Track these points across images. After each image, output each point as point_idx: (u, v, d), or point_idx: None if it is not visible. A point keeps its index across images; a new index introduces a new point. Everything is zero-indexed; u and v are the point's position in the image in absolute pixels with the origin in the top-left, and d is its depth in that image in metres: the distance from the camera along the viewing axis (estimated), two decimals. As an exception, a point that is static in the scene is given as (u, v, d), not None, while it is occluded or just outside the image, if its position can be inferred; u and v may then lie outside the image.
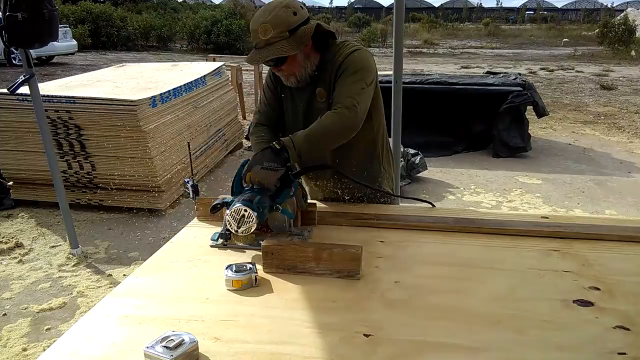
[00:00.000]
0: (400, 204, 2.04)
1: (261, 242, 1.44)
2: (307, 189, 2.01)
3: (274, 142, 1.54)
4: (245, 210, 1.38)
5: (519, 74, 7.54)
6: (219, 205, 1.50)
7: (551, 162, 5.82)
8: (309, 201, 1.68)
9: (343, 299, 1.22)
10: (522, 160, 5.85)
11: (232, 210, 1.40)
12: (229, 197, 1.51)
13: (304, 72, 1.69)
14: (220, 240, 1.50)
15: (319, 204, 1.75)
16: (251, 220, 1.39)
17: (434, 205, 1.81)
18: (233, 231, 1.42)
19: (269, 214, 1.47)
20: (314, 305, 1.19)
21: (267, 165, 1.47)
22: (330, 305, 1.19)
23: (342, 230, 1.62)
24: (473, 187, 4.99)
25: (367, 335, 1.07)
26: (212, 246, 1.51)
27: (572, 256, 1.42)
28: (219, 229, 1.54)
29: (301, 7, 1.64)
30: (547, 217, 1.66)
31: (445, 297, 1.21)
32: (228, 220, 1.42)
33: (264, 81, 1.94)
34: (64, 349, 1.06)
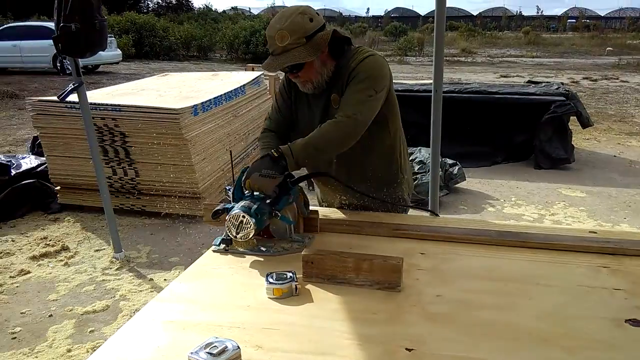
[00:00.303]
0: (441, 215, 2.01)
1: (262, 248, 1.51)
2: (320, 194, 2.03)
3: (272, 150, 1.58)
4: (243, 217, 1.43)
5: (562, 83, 7.35)
6: (220, 212, 1.55)
7: (596, 174, 5.62)
8: (311, 208, 1.70)
9: (384, 311, 1.20)
10: (565, 172, 5.68)
11: (231, 216, 1.45)
12: (230, 204, 1.54)
13: (320, 79, 1.70)
14: (222, 246, 1.54)
15: (349, 213, 1.75)
16: (249, 226, 1.43)
17: (437, 215, 1.79)
18: (232, 237, 1.46)
19: (270, 220, 1.51)
20: (354, 316, 1.19)
21: (265, 173, 1.52)
22: (371, 317, 1.18)
23: (382, 241, 1.61)
24: (514, 199, 4.87)
25: (409, 350, 1.05)
26: (214, 251, 1.55)
27: (623, 273, 1.36)
28: None
29: (317, 13, 1.66)
30: (596, 232, 1.60)
31: (490, 313, 1.18)
32: (227, 226, 1.46)
33: (276, 88, 1.95)
34: (110, 353, 1.08)
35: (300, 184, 1.64)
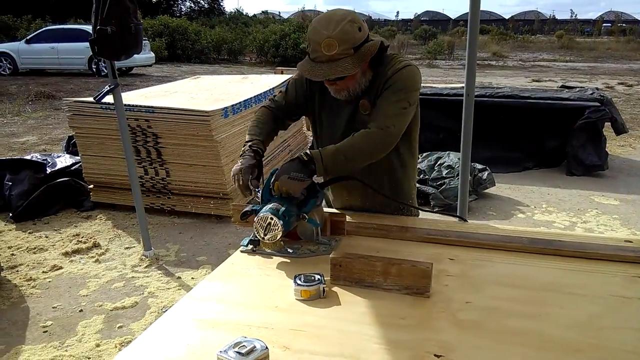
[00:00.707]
0: (470, 221, 1.98)
1: (289, 250, 1.52)
2: (330, 197, 2.01)
3: (302, 154, 1.57)
4: (271, 219, 1.44)
5: (596, 88, 7.17)
6: (248, 213, 1.57)
7: (630, 182, 5.46)
8: (338, 211, 1.72)
9: (412, 317, 1.20)
10: (598, 180, 5.54)
11: (259, 217, 1.47)
12: (258, 205, 1.56)
13: (357, 88, 1.66)
14: (250, 246, 1.56)
15: (376, 216, 1.74)
16: (277, 228, 1.45)
17: (466, 220, 1.76)
18: (260, 238, 1.48)
19: (297, 223, 1.53)
20: (382, 320, 1.18)
21: (294, 175, 1.52)
22: (399, 322, 1.18)
23: (410, 245, 1.60)
24: (545, 205, 4.77)
25: (438, 356, 1.04)
26: (242, 251, 1.57)
27: (660, 285, 1.32)
28: None
29: (363, 22, 1.60)
30: (632, 241, 1.56)
31: (521, 321, 1.16)
32: (255, 227, 1.48)
33: (293, 76, 1.89)
34: (141, 349, 1.11)
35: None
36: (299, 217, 1.52)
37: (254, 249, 1.55)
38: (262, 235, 1.47)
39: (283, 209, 1.47)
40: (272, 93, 5.32)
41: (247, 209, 1.58)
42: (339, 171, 1.64)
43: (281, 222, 1.44)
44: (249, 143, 1.74)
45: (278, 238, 1.47)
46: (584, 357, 1.03)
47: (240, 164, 1.66)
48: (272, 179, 1.56)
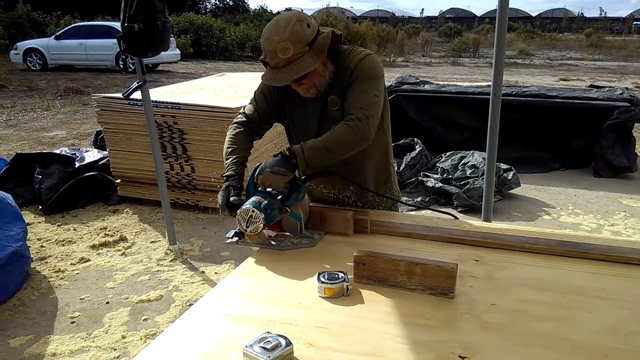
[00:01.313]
0: (493, 222, 1.96)
1: (272, 242, 1.58)
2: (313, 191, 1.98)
3: (285, 149, 1.60)
4: (253, 211, 1.49)
5: (626, 88, 7.00)
6: (235, 205, 1.60)
7: (661, 184, 5.33)
8: (361, 209, 1.74)
9: (436, 317, 1.19)
10: (627, 182, 5.41)
11: (241, 210, 1.51)
12: (244, 199, 1.60)
13: (323, 82, 1.68)
14: (235, 238, 1.59)
15: (398, 215, 1.74)
16: (258, 220, 1.50)
17: (456, 218, 1.74)
18: (242, 230, 1.53)
19: (280, 216, 1.58)
20: (406, 320, 1.18)
21: (276, 170, 1.57)
22: (424, 322, 1.18)
23: (433, 245, 1.59)
24: (571, 207, 4.68)
25: (462, 358, 1.04)
26: (227, 243, 1.61)
27: (692, 291, 1.29)
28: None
29: (309, 17, 1.63)
30: (662, 246, 1.52)
31: (548, 325, 1.15)
32: (238, 220, 1.52)
33: (258, 87, 1.87)
34: (169, 342, 1.13)
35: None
36: (281, 210, 1.56)
37: (239, 240, 1.59)
38: (244, 227, 1.52)
39: (265, 202, 1.52)
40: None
41: (231, 199, 1.62)
42: (321, 164, 1.65)
43: (262, 215, 1.49)
44: (227, 173, 1.71)
45: (260, 230, 1.52)
46: (612, 362, 1.02)
47: (220, 198, 1.63)
48: (256, 173, 1.59)
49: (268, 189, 1.59)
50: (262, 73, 1.68)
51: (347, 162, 1.75)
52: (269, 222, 1.53)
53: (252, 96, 1.88)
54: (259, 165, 1.61)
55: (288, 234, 1.66)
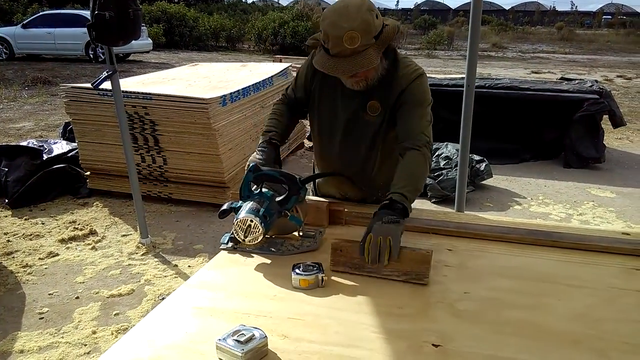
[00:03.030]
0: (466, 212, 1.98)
1: (272, 249, 1.48)
2: (317, 186, 2.00)
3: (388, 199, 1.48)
4: (252, 221, 1.39)
5: (596, 81, 7.16)
6: (227, 211, 1.50)
7: (627, 175, 5.48)
8: (337, 201, 1.74)
9: (410, 306, 1.20)
10: (595, 172, 5.55)
11: (239, 220, 1.41)
12: (237, 202, 1.50)
13: (375, 77, 1.61)
14: (231, 244, 1.51)
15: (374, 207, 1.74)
16: (257, 230, 1.40)
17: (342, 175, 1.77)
18: (240, 239, 1.43)
19: (278, 219, 1.47)
20: (380, 310, 1.18)
21: (388, 219, 1.39)
22: (398, 311, 1.18)
23: (408, 236, 1.58)
24: (541, 197, 4.78)
25: (436, 346, 1.05)
26: (222, 249, 1.52)
27: (658, 277, 1.33)
28: None
29: (375, 6, 1.56)
30: (629, 234, 1.56)
31: (519, 312, 1.17)
32: (235, 230, 1.42)
33: (299, 70, 1.86)
34: (139, 336, 1.11)
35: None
36: (280, 214, 1.47)
37: (235, 246, 1.50)
38: (242, 238, 1.42)
39: (263, 209, 1.42)
40: (270, 82, 5.29)
41: (225, 206, 1.51)
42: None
43: (262, 223, 1.39)
44: (268, 134, 1.74)
45: (259, 240, 1.42)
46: (582, 348, 1.04)
47: (256, 155, 1.65)
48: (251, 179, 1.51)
49: (264, 190, 1.50)
50: (316, 57, 1.56)
51: (358, 173, 1.74)
52: (268, 229, 1.44)
53: (294, 78, 1.87)
54: (253, 166, 1.52)
55: (285, 235, 1.57)
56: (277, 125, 1.78)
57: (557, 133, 5.85)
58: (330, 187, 1.91)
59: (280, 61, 8.06)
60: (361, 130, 1.70)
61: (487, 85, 6.13)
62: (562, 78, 8.18)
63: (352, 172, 1.74)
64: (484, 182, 4.95)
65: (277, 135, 1.76)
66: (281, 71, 5.75)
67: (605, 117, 5.91)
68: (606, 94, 5.90)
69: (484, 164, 4.88)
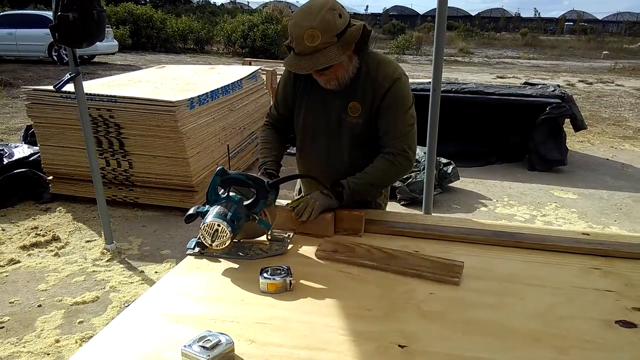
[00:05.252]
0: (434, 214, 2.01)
1: (240, 253, 1.47)
2: (302, 186, 2.05)
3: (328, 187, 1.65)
4: (219, 225, 1.37)
5: (558, 85, 7.38)
6: (193, 215, 1.47)
7: (588, 177, 5.66)
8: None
9: (378, 308, 1.21)
10: (558, 174, 5.72)
11: (205, 225, 1.38)
12: (204, 206, 1.48)
13: (346, 75, 1.64)
14: (197, 249, 1.48)
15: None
16: (225, 235, 1.37)
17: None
18: (207, 244, 1.40)
19: (246, 223, 1.46)
20: (348, 312, 1.19)
21: (325, 193, 1.64)
22: (365, 313, 1.19)
23: (376, 238, 1.61)
24: (506, 199, 4.89)
25: (402, 346, 1.06)
26: (188, 254, 1.49)
27: (615, 275, 1.37)
28: None
29: (342, 7, 1.59)
30: (588, 234, 1.61)
31: (483, 312, 1.19)
32: (202, 235, 1.40)
33: (277, 82, 1.94)
34: (103, 344, 1.08)
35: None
36: (248, 217, 1.46)
37: (202, 251, 1.47)
38: (209, 243, 1.39)
39: (231, 213, 1.40)
40: (240, 85, 5.26)
41: (191, 210, 1.48)
42: (364, 196, 1.77)
43: (229, 228, 1.37)
44: (263, 167, 1.77)
45: (227, 245, 1.39)
46: (544, 346, 1.07)
47: None
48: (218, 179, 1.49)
49: (232, 193, 1.47)
50: (286, 57, 1.63)
51: (341, 174, 1.74)
52: (236, 233, 1.41)
53: (275, 95, 1.95)
54: (221, 169, 1.49)
55: (254, 239, 1.55)
56: (269, 154, 1.82)
57: (522, 136, 6.00)
58: (313, 187, 1.90)
59: (250, 64, 8.02)
60: (343, 131, 1.72)
61: (453, 89, 6.25)
62: (525, 83, 8.40)
63: (335, 173, 1.76)
64: (451, 184, 5.04)
65: (273, 164, 1.80)
66: (250, 74, 5.73)
67: (567, 120, 6.10)
68: (568, 99, 6.08)
69: (451, 167, 4.96)
